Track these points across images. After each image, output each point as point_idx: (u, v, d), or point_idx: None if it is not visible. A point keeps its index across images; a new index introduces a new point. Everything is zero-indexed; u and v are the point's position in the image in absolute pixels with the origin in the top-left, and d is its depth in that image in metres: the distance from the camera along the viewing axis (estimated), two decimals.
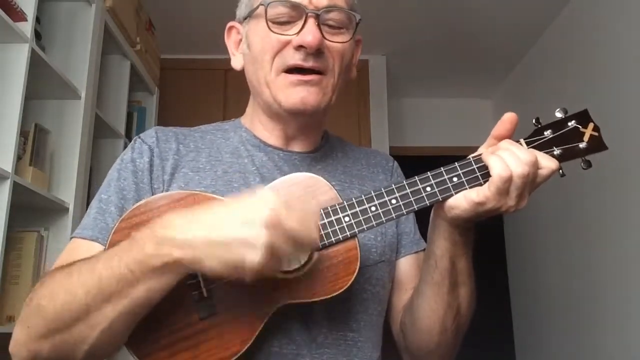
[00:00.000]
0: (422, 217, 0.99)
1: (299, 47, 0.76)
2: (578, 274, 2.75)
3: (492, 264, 3.65)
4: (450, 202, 0.69)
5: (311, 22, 0.76)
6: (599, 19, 2.58)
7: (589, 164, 0.72)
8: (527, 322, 3.46)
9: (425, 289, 0.78)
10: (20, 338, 0.66)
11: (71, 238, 0.78)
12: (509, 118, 0.70)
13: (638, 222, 2.25)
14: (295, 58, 0.77)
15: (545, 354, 3.17)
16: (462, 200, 0.68)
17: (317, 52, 0.77)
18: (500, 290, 3.70)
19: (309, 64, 0.77)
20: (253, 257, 0.57)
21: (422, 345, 0.83)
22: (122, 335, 0.65)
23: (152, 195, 0.77)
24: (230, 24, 0.88)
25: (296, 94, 0.78)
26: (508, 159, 0.66)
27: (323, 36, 0.77)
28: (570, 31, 2.87)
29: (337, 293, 0.69)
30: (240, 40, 0.87)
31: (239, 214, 0.58)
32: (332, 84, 0.80)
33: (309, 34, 0.75)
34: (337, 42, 0.79)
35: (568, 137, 0.71)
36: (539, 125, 0.72)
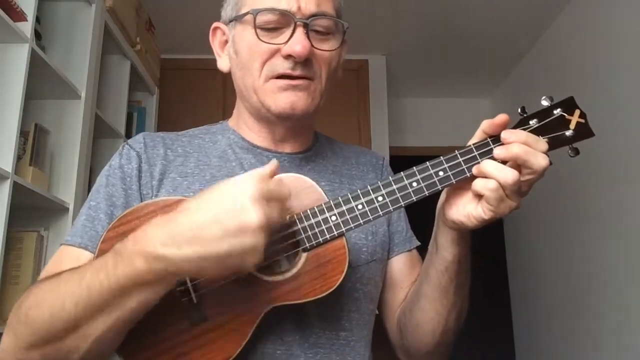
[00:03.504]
0: (417, 213, 1.00)
1: (288, 56, 0.76)
2: (578, 273, 2.75)
3: (492, 263, 3.65)
4: (463, 219, 0.69)
5: (300, 31, 0.76)
6: (599, 20, 2.59)
7: (576, 152, 0.71)
8: (527, 321, 3.45)
9: (431, 292, 0.78)
10: (8, 347, 0.65)
11: (61, 245, 0.77)
12: (501, 121, 0.69)
13: (638, 218, 2.25)
14: (284, 67, 0.77)
15: (545, 354, 3.17)
16: (474, 220, 0.68)
17: (306, 60, 0.77)
18: (500, 289, 3.70)
19: (297, 72, 0.77)
20: (251, 261, 0.58)
21: (422, 346, 0.83)
22: (113, 344, 0.65)
23: (141, 200, 0.77)
24: (215, 24, 0.88)
25: (285, 98, 0.78)
26: (498, 170, 0.66)
27: (312, 44, 0.77)
28: (570, 31, 2.87)
29: (326, 293, 0.68)
30: (226, 41, 0.86)
31: (229, 222, 0.56)
32: (319, 90, 0.80)
33: (298, 43, 0.75)
34: (325, 50, 0.79)
35: (554, 126, 0.70)
36: (525, 115, 0.71)
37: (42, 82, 1.73)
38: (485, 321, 3.10)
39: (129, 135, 2.38)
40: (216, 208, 0.58)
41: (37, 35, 1.75)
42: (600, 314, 2.53)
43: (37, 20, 1.74)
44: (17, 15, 1.56)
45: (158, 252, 0.57)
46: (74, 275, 0.63)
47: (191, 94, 3.27)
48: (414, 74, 3.75)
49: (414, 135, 3.98)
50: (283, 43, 0.76)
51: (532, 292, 3.36)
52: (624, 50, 2.37)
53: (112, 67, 2.31)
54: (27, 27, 1.59)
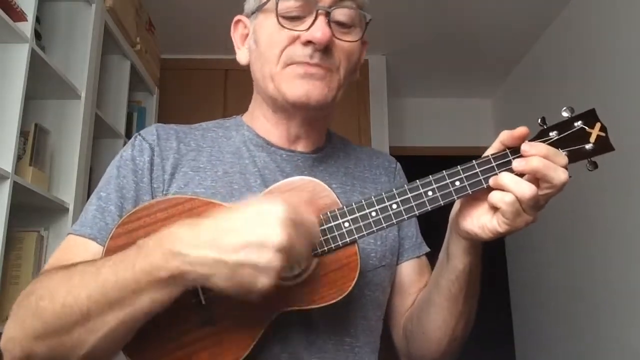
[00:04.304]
0: (429, 219, 0.99)
1: (308, 43, 0.75)
2: (578, 273, 2.75)
3: (492, 263, 3.65)
4: (477, 231, 0.68)
5: (321, 19, 0.75)
6: (600, 19, 2.58)
7: (595, 165, 0.69)
8: (527, 321, 3.45)
9: (440, 301, 0.77)
10: (14, 336, 0.64)
11: (68, 234, 0.76)
12: (520, 134, 0.67)
13: (639, 220, 2.25)
14: (303, 53, 0.76)
15: (545, 354, 3.17)
16: (488, 233, 0.68)
17: (325, 49, 0.76)
18: (500, 289, 3.69)
19: (315, 60, 0.76)
20: (263, 282, 0.56)
21: (427, 354, 0.83)
22: (119, 342, 0.64)
23: (152, 194, 0.77)
24: (237, 17, 0.87)
25: (301, 86, 0.76)
26: (518, 185, 0.64)
27: (333, 34, 0.76)
28: (570, 31, 2.87)
29: (335, 300, 0.68)
30: (247, 34, 0.85)
31: (252, 233, 0.57)
32: (337, 81, 0.79)
33: (319, 30, 0.74)
34: (346, 40, 0.78)
35: (574, 138, 0.69)
36: (545, 126, 0.69)
37: (42, 82, 1.72)
38: (485, 321, 3.10)
39: (129, 135, 2.38)
40: (243, 219, 0.58)
41: (37, 35, 1.75)
42: (600, 313, 2.53)
43: (37, 20, 1.74)
44: (17, 15, 1.56)
45: (175, 248, 0.58)
46: (89, 267, 0.63)
47: (191, 93, 3.27)
48: (414, 74, 3.75)
49: (414, 135, 3.98)
50: (304, 30, 0.76)
51: (532, 292, 3.36)
52: (625, 50, 2.36)
53: (112, 67, 2.31)
54: (27, 27, 1.59)
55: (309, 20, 0.76)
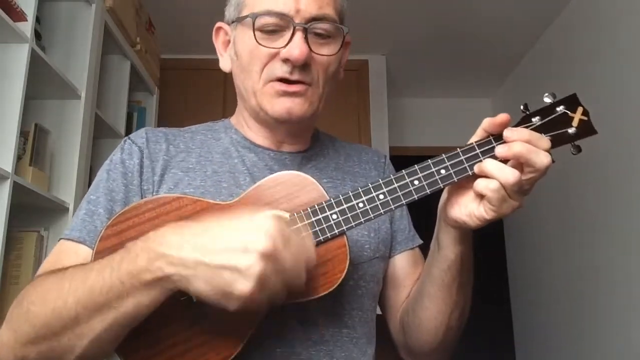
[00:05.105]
0: (420, 211, 0.99)
1: (286, 60, 0.76)
2: (579, 273, 2.75)
3: (492, 263, 3.65)
4: (465, 219, 0.69)
5: (298, 36, 0.76)
6: (600, 19, 2.59)
7: (578, 149, 0.70)
8: (527, 322, 3.45)
9: (434, 291, 0.78)
10: (7, 341, 0.65)
11: (59, 239, 0.77)
12: (502, 121, 0.68)
13: None
14: (282, 70, 0.77)
15: (545, 354, 3.17)
16: (476, 220, 0.68)
17: (304, 65, 0.77)
18: (500, 290, 3.69)
19: (295, 77, 0.77)
20: (242, 286, 0.55)
21: (424, 344, 0.83)
22: (109, 346, 0.64)
23: (142, 196, 0.78)
24: (218, 24, 0.88)
25: (282, 104, 0.78)
26: (500, 171, 0.65)
27: (310, 49, 0.77)
28: (570, 31, 2.87)
29: (327, 292, 0.68)
30: (228, 41, 0.86)
31: (236, 239, 0.56)
32: (317, 94, 0.80)
33: (296, 48, 0.75)
34: (324, 54, 0.79)
35: (556, 123, 0.70)
36: (527, 112, 0.71)
37: (42, 82, 1.73)
38: (485, 321, 3.10)
39: (129, 135, 2.38)
40: (231, 226, 0.58)
41: (37, 35, 1.75)
42: (600, 314, 2.53)
43: (37, 20, 1.74)
44: (17, 15, 1.57)
45: (160, 249, 0.58)
46: (79, 272, 0.63)
47: (191, 94, 3.27)
48: (414, 74, 3.75)
49: (414, 135, 3.98)
50: (282, 47, 0.76)
51: (532, 292, 3.36)
52: (626, 49, 2.37)
53: (112, 67, 2.31)
54: (27, 27, 1.60)
55: (287, 35, 0.76)
